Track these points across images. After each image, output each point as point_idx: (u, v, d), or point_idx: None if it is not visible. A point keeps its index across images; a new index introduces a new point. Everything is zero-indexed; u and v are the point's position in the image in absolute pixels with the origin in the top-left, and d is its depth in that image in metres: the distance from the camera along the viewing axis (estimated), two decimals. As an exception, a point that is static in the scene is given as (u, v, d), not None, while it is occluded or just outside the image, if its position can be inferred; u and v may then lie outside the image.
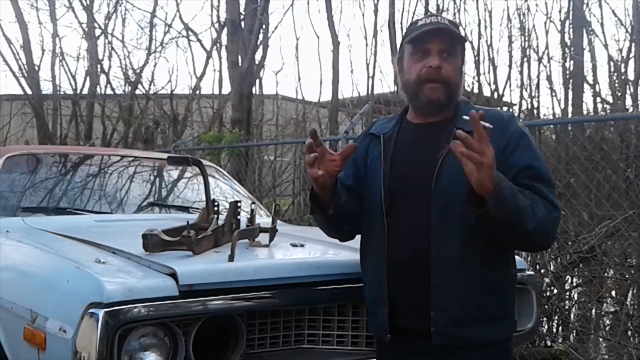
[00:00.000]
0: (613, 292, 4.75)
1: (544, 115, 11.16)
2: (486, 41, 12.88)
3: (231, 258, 1.92)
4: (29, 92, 12.38)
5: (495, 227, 1.66)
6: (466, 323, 1.75)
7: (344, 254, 2.17)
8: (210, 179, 2.66)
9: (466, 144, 1.52)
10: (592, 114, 9.37)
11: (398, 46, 1.97)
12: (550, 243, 1.93)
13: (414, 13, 12.14)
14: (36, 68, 12.72)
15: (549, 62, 12.13)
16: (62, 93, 13.56)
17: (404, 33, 1.95)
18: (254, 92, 10.40)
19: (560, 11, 12.03)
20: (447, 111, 1.87)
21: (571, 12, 11.05)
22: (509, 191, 1.62)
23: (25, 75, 12.34)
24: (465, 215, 1.71)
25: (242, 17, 9.23)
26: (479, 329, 1.77)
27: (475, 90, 11.06)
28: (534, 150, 1.81)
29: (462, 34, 1.90)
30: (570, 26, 11.23)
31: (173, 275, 1.76)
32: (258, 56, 9.73)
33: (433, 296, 1.74)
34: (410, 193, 1.82)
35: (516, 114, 10.95)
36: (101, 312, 1.61)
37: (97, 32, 12.96)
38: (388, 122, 2.00)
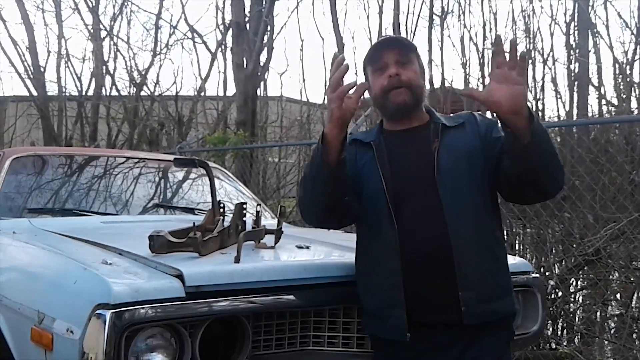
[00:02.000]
0: (618, 295, 4.74)
1: (549, 117, 11.15)
2: (491, 43, 12.87)
3: (237, 259, 1.93)
4: (35, 93, 12.44)
5: (539, 152, 1.72)
6: (491, 298, 1.85)
7: (350, 255, 2.17)
8: (216, 181, 2.67)
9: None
10: (597, 116, 9.36)
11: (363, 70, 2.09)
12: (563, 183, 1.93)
13: (418, 15, 12.21)
14: (42, 69, 12.79)
15: (553, 64, 12.13)
16: (67, 94, 13.61)
17: (365, 57, 2.06)
18: (258, 93, 10.41)
19: (565, 13, 12.05)
20: (423, 117, 2.01)
21: (576, 14, 11.03)
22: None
23: (31, 76, 12.40)
24: (470, 195, 1.86)
25: (247, 19, 9.26)
26: (500, 302, 1.89)
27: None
28: None
29: (413, 45, 2.05)
30: (576, 28, 11.21)
31: (179, 276, 1.77)
32: (263, 58, 9.78)
33: (459, 278, 1.81)
34: (415, 190, 1.89)
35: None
36: (108, 313, 1.61)
37: (103, 33, 13.02)
38: (369, 133, 2.10)
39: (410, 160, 1.94)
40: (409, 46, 2.02)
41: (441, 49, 12.86)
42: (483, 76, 11.75)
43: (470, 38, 12.32)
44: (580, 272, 4.61)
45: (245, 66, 9.05)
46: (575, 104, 10.90)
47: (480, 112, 2.07)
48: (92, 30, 12.95)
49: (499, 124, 1.81)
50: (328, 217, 1.94)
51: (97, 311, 1.63)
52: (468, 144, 1.92)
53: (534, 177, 1.77)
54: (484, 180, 1.90)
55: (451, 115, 2.09)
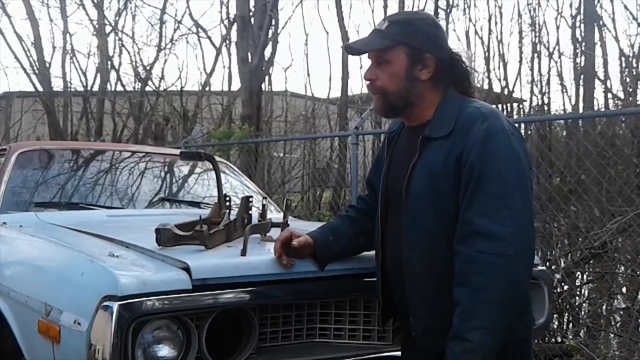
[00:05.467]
0: (624, 289, 4.72)
1: (555, 111, 11.10)
2: (496, 37, 12.87)
3: (243, 252, 1.93)
4: (40, 89, 12.43)
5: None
6: (439, 332, 1.65)
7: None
8: (221, 175, 2.67)
9: None
10: (603, 109, 9.32)
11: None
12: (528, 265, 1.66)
13: (423, 9, 12.11)
14: (47, 65, 12.77)
15: (559, 57, 12.07)
16: (72, 90, 13.60)
17: None
18: (263, 88, 10.40)
19: (571, 6, 11.96)
20: (426, 115, 1.76)
21: (582, 7, 10.98)
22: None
23: (37, 72, 12.39)
24: (427, 223, 1.68)
25: (251, 13, 9.24)
26: None
27: (486, 87, 11.03)
28: (482, 180, 1.59)
29: (404, 33, 1.72)
30: (582, 21, 11.16)
31: (186, 269, 1.77)
32: (267, 52, 9.75)
33: (410, 305, 1.75)
34: (394, 202, 1.82)
35: (526, 110, 10.90)
36: (115, 305, 1.62)
37: (108, 28, 13.00)
38: (397, 122, 1.98)
39: (397, 170, 1.81)
40: (384, 45, 1.73)
41: (446, 42, 12.77)
42: (489, 70, 11.71)
43: (476, 32, 12.29)
44: (587, 266, 4.59)
45: (250, 61, 9.03)
46: (581, 98, 10.86)
47: (484, 114, 1.67)
48: (97, 26, 12.93)
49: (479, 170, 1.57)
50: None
51: (104, 303, 1.64)
52: (441, 162, 1.65)
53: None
54: (449, 206, 1.64)
55: (466, 108, 1.71)
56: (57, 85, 13.32)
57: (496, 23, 14.25)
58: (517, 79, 12.83)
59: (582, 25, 11.13)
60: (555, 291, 4.25)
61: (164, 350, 1.73)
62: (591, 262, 4.54)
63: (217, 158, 3.55)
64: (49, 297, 1.85)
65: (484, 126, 1.63)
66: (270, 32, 9.58)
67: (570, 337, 4.34)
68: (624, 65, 10.57)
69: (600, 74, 10.91)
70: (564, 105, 11.81)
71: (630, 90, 9.73)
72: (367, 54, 1.80)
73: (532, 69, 11.98)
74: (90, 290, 1.71)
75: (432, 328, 1.71)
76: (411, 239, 1.71)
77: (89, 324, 1.65)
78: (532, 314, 1.87)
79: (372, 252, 2.01)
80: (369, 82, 1.79)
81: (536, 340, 3.87)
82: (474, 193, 1.58)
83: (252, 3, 9.30)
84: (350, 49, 1.89)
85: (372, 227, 1.93)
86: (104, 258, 1.86)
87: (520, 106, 11.55)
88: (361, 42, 1.82)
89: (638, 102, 8.67)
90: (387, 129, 2.09)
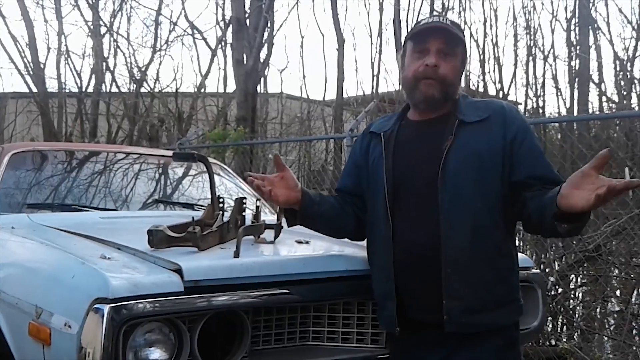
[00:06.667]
0: (618, 292, 4.73)
1: (550, 114, 11.13)
2: (491, 40, 12.94)
3: (237, 254, 1.92)
4: (35, 89, 12.41)
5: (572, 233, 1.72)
6: (478, 309, 1.78)
7: (349, 250, 2.17)
8: (215, 177, 2.66)
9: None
10: (597, 112, 9.35)
11: (402, 43, 2.02)
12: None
13: (419, 11, 12.15)
14: (42, 66, 12.75)
15: (554, 60, 12.10)
16: (67, 91, 13.57)
17: (409, 31, 2.00)
18: (258, 90, 10.39)
19: (566, 9, 12.03)
20: (447, 107, 1.90)
21: (577, 11, 11.02)
22: None
23: (31, 73, 12.37)
24: (472, 202, 1.77)
25: (247, 15, 9.24)
26: (490, 315, 1.80)
27: (481, 89, 11.05)
28: (542, 152, 1.86)
29: (464, 35, 1.94)
30: (576, 24, 11.20)
31: (178, 271, 1.75)
32: (263, 54, 9.74)
33: (444, 286, 1.76)
34: (415, 187, 1.85)
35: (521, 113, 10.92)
36: (106, 308, 1.60)
37: (103, 30, 12.99)
38: (388, 120, 2.03)
39: (418, 156, 1.87)
40: (457, 39, 1.88)
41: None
42: (484, 73, 11.74)
43: (471, 35, 12.27)
44: (581, 269, 4.60)
45: (245, 62, 9.03)
46: (575, 101, 10.90)
47: (512, 105, 1.95)
48: (92, 27, 12.92)
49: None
50: (352, 234, 2.11)
51: (95, 305, 1.62)
52: (484, 145, 1.81)
53: (555, 235, 1.79)
54: (494, 186, 1.80)
55: (482, 100, 1.97)
56: (51, 86, 13.33)
57: (491, 26, 14.34)
58: (512, 81, 12.88)
59: (577, 28, 11.19)
60: (549, 294, 4.25)
61: (156, 353, 1.71)
62: (585, 265, 4.55)
63: (211, 159, 3.53)
64: (40, 300, 1.83)
65: (521, 114, 1.92)
66: (266, 34, 9.58)
67: (564, 340, 4.34)
68: (618, 68, 10.61)
69: (595, 77, 10.96)
70: (558, 108, 11.85)
71: (625, 93, 9.77)
72: (427, 43, 1.87)
73: (527, 72, 12.04)
74: (81, 293, 1.69)
75: (471, 307, 1.77)
76: (452, 216, 1.78)
77: (80, 326, 1.64)
78: (521, 302, 1.94)
79: (364, 254, 2.01)
80: (433, 66, 1.85)
81: (530, 343, 3.87)
82: (537, 163, 1.81)
83: (247, 5, 9.31)
84: (444, 29, 1.87)
85: (351, 211, 2.04)
86: (95, 260, 1.84)
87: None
88: (445, 27, 1.88)
89: (632, 105, 8.71)
90: (366, 129, 2.11)
